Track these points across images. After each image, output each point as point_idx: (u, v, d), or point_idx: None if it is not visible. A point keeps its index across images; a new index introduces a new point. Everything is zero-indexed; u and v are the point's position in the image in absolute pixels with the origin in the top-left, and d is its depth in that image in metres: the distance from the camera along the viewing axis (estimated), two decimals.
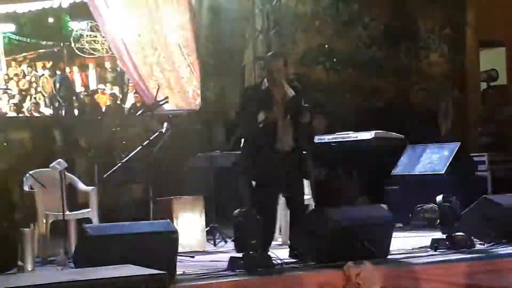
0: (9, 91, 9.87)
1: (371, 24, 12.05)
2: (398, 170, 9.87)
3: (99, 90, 10.71)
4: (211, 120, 10.99)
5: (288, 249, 6.87)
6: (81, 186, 7.85)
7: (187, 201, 8.02)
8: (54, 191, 7.21)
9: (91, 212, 7.53)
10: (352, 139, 9.55)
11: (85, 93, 10.63)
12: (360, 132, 9.52)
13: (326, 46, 11.77)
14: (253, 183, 6.85)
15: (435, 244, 6.93)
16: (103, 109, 10.62)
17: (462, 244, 6.91)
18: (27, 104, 10.32)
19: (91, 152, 9.67)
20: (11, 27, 10.04)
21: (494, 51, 13.28)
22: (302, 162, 6.90)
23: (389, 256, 6.52)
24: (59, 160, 7.15)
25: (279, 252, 6.61)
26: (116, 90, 10.76)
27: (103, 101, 10.71)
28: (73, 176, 7.88)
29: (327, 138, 9.77)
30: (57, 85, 10.51)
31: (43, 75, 10.41)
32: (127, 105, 10.81)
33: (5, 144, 9.26)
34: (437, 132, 11.33)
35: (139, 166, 7.99)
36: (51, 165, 7.14)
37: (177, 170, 8.43)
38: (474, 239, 7.10)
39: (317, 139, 9.69)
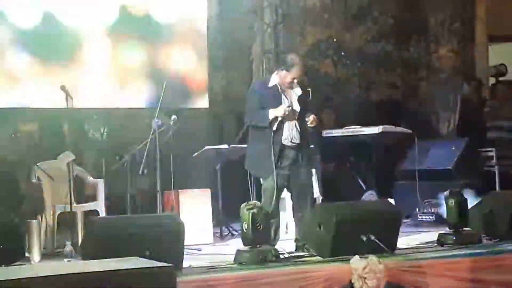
0: None
1: (380, 17, 12.01)
2: (406, 164, 9.85)
3: None
4: (219, 113, 10.97)
5: (295, 243, 6.88)
6: (89, 178, 7.86)
7: (195, 194, 8.04)
8: (62, 183, 7.22)
9: (99, 204, 7.54)
10: (360, 133, 9.52)
11: None
12: (368, 126, 9.49)
13: (335, 39, 11.73)
14: (260, 176, 6.86)
15: (442, 239, 6.91)
16: None
17: (469, 239, 6.89)
18: None
19: (99, 144, 9.67)
20: None
21: (503, 45, 13.23)
22: (308, 157, 6.90)
23: (396, 251, 6.52)
24: (67, 152, 7.15)
25: (286, 245, 6.62)
26: None
27: None
28: (81, 168, 7.89)
29: (335, 132, 9.74)
30: None
31: None
32: None
33: (12, 135, 9.26)
34: (445, 127, 11.30)
35: (147, 158, 7.98)
36: (58, 156, 7.15)
37: (185, 163, 8.41)
38: (481, 235, 7.08)
39: (325, 133, 9.67)
